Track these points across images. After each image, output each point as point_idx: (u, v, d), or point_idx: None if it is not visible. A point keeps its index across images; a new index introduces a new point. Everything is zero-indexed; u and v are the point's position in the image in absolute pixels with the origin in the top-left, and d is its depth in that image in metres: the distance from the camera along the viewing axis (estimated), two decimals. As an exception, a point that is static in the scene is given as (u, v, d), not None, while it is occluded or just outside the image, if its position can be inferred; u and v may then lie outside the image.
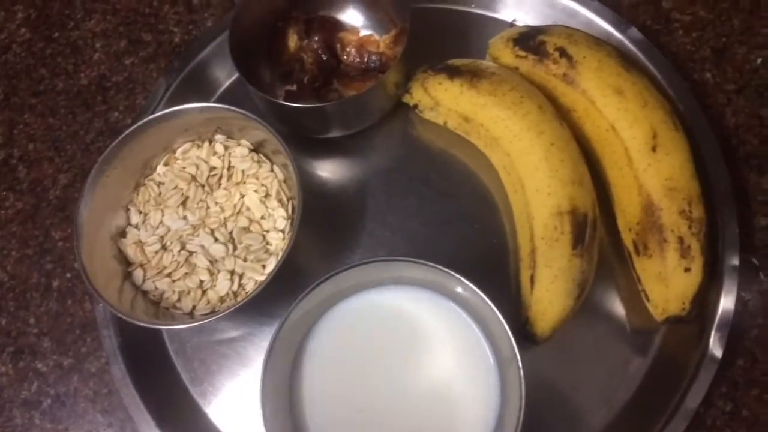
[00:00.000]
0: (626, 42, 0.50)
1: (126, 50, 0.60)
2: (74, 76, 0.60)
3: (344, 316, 0.44)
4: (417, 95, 0.50)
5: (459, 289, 0.41)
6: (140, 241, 0.48)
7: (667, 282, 0.43)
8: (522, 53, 0.49)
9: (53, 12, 0.64)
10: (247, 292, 0.46)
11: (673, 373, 0.44)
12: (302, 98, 0.52)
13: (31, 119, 0.59)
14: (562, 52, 0.47)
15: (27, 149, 0.57)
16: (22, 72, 0.61)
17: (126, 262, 0.48)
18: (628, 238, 0.45)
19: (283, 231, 0.47)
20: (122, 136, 0.47)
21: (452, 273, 0.39)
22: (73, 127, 0.57)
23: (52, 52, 0.62)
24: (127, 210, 0.49)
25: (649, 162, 0.44)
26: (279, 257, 0.46)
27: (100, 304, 0.48)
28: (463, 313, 0.43)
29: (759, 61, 0.51)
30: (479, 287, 0.38)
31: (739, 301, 0.44)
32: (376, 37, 0.54)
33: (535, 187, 0.44)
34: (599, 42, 0.48)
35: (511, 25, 0.55)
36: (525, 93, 0.46)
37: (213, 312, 0.46)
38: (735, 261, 0.44)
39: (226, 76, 0.57)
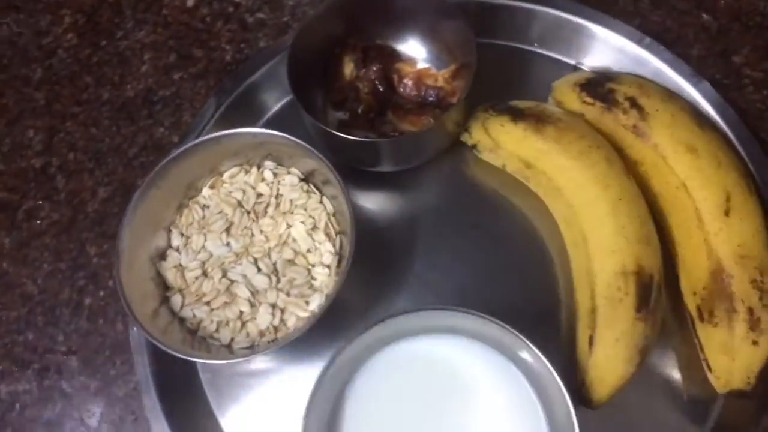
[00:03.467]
0: (697, 96, 0.48)
1: (175, 65, 0.59)
2: (120, 87, 0.59)
3: (390, 363, 0.42)
4: (476, 135, 0.49)
5: (514, 347, 0.39)
6: (180, 265, 0.46)
7: (733, 354, 0.41)
8: (589, 100, 0.47)
9: (102, 19, 0.63)
10: (288, 328, 0.44)
11: (731, 449, 0.42)
12: (355, 128, 0.51)
13: (72, 128, 0.57)
14: (633, 103, 0.45)
15: (67, 159, 0.56)
16: (65, 79, 0.60)
17: (164, 285, 0.46)
18: (691, 303, 0.43)
19: (329, 267, 0.45)
20: (170, 156, 0.45)
21: (510, 329, 0.37)
22: (116, 140, 0.56)
23: (99, 61, 0.60)
24: (169, 231, 0.47)
25: (721, 226, 0.42)
26: (324, 294, 0.45)
27: (134, 328, 0.46)
28: (516, 370, 0.40)
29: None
30: (530, 342, 0.36)
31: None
32: (434, 70, 0.53)
33: (598, 243, 0.42)
34: (672, 95, 0.46)
35: (575, 68, 0.53)
36: (593, 143, 0.45)
37: (252, 347, 0.44)
38: (802, 334, 0.42)
39: (275, 100, 0.55)
